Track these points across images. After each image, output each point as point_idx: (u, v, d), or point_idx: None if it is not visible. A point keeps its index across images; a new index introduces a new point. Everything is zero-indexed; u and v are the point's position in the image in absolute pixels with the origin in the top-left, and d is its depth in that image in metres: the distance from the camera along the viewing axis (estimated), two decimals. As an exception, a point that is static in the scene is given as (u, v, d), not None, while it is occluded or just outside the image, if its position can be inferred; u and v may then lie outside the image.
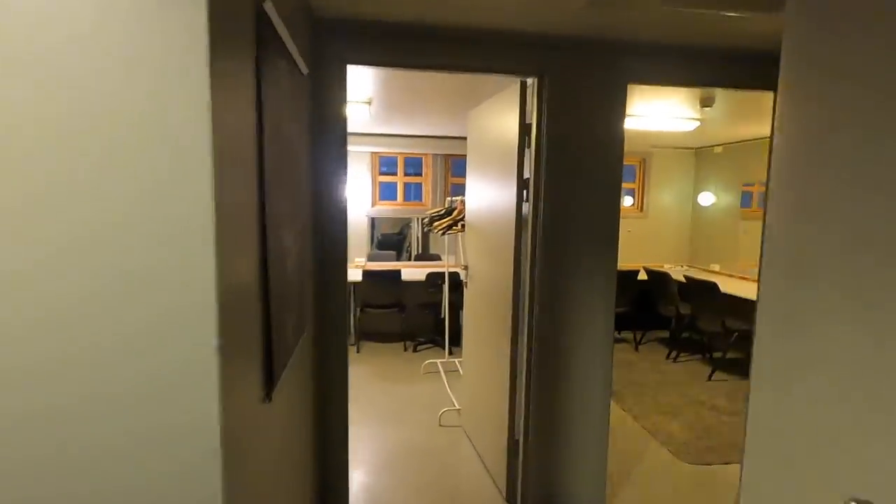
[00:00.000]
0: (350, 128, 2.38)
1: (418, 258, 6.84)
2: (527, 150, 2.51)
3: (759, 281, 2.73)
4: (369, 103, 4.05)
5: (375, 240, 7.15)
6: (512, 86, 2.56)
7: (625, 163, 2.54)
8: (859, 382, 0.98)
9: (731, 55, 2.43)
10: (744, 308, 4.52)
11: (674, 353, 5.36)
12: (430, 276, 5.24)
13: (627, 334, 5.93)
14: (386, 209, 6.35)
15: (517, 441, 2.68)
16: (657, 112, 4.27)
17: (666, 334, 6.01)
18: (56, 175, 0.81)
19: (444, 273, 4.85)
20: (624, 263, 2.61)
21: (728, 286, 4.88)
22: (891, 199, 0.93)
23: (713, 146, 6.25)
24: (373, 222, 6.66)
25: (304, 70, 1.86)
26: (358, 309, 5.50)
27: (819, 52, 1.12)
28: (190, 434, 0.88)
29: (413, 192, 6.48)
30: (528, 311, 2.54)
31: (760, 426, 1.23)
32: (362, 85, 3.52)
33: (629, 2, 1.90)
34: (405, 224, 7.27)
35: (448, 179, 6.43)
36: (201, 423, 0.87)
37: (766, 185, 2.83)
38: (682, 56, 2.44)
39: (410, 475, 3.05)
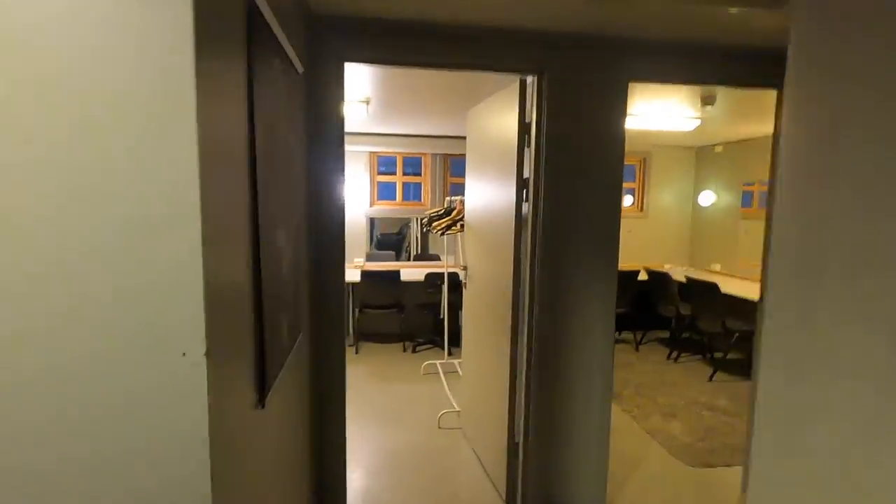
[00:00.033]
0: (348, 127, 2.36)
1: (417, 258, 6.81)
2: (526, 150, 2.48)
3: (762, 281, 2.68)
4: (367, 102, 4.02)
5: (375, 239, 7.13)
6: (511, 84, 2.53)
7: (625, 162, 2.51)
8: (870, 385, 0.95)
9: (734, 52, 2.40)
10: (745, 308, 4.49)
11: (674, 354, 5.33)
12: (429, 276, 5.21)
13: (627, 335, 5.90)
14: (385, 209, 6.32)
15: (517, 443, 2.66)
16: (658, 111, 4.24)
17: (666, 335, 5.98)
18: (34, 178, 0.78)
19: (443, 273, 4.82)
20: (624, 263, 2.59)
21: (729, 286, 4.85)
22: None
23: (714, 145, 6.22)
24: (372, 222, 6.63)
25: (300, 68, 1.83)
26: (357, 309, 5.47)
27: (825, 52, 1.09)
28: (177, 444, 0.85)
29: (412, 192, 6.45)
30: (528, 312, 2.51)
31: (769, 427, 1.20)
32: (360, 84, 3.49)
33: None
34: (404, 224, 7.24)
35: (447, 179, 6.40)
36: (189, 432, 0.84)
37: (770, 184, 2.78)
38: (683, 53, 2.41)
39: (409, 478, 3.02)
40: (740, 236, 5.79)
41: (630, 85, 2.42)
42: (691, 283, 5.06)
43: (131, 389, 0.83)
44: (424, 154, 6.29)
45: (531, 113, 2.43)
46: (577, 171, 2.43)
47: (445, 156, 6.31)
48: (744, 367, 4.89)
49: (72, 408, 0.82)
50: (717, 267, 6.06)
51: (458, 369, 4.44)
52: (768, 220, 2.70)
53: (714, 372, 4.80)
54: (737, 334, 4.65)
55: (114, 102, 0.79)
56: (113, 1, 0.77)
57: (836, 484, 1.03)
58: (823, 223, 1.05)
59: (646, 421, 3.80)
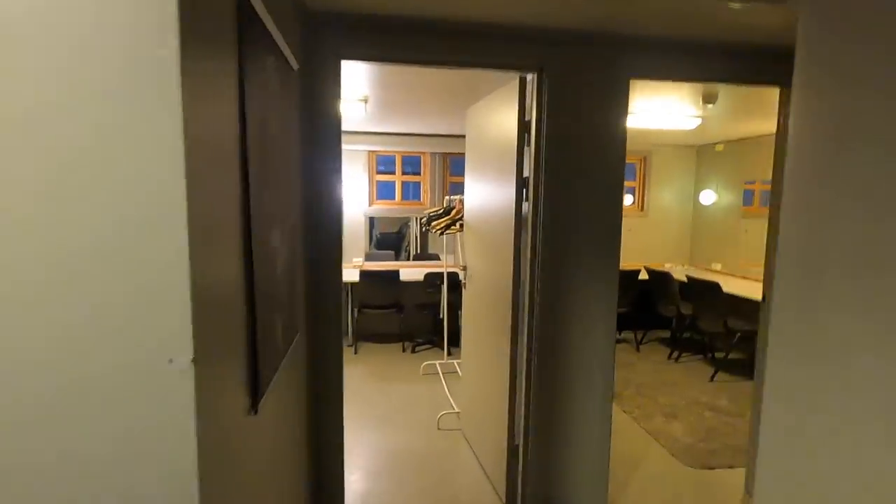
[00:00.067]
0: (346, 126, 2.33)
1: (417, 258, 6.78)
2: (526, 148, 2.45)
3: (765, 280, 2.65)
4: (365, 101, 3.99)
5: (374, 239, 7.09)
6: (511, 82, 2.50)
7: (625, 161, 2.48)
8: (879, 384, 0.92)
9: (736, 49, 2.37)
10: (746, 308, 4.46)
11: (675, 354, 5.30)
12: (428, 276, 5.18)
13: (628, 334, 5.87)
14: (383, 208, 6.28)
15: (517, 445, 2.63)
16: (659, 109, 4.21)
17: (667, 334, 5.95)
18: (12, 179, 0.75)
19: (442, 273, 4.79)
20: (624, 263, 2.56)
21: (730, 286, 4.82)
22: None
23: (714, 144, 6.19)
24: (372, 221, 6.60)
25: (295, 65, 1.80)
26: (356, 309, 5.44)
27: (834, 51, 1.06)
28: (164, 455, 0.81)
29: (411, 192, 6.41)
30: (528, 312, 2.48)
31: (773, 428, 1.17)
32: (358, 82, 3.46)
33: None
34: (404, 223, 7.21)
35: (446, 178, 6.36)
36: (176, 443, 0.81)
37: (772, 182, 2.75)
38: (685, 50, 2.38)
39: (408, 480, 2.99)
40: (741, 235, 5.76)
41: (631, 83, 2.39)
42: (692, 282, 5.03)
43: (114, 398, 0.80)
44: (423, 153, 6.25)
45: (531, 111, 2.40)
46: (577, 170, 2.40)
47: (445, 155, 6.27)
48: (745, 367, 4.85)
49: (50, 418, 0.79)
50: (718, 266, 6.03)
51: (458, 370, 4.41)
52: (771, 218, 2.67)
53: (715, 372, 4.77)
54: (738, 334, 4.62)
55: (93, 98, 0.75)
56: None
57: (846, 481, 1.00)
58: (830, 221, 1.02)
59: (647, 421, 3.77)
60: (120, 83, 0.76)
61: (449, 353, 4.89)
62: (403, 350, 5.48)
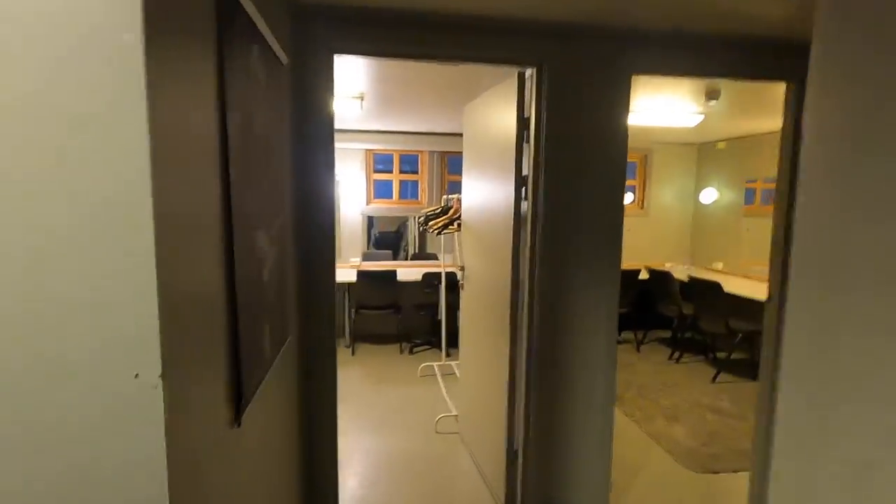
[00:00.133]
0: (342, 124, 2.26)
1: (415, 257, 6.71)
2: (525, 146, 2.38)
3: (770, 280, 2.58)
4: (361, 98, 3.92)
5: (373, 238, 7.02)
6: (509, 78, 2.43)
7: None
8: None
9: (741, 43, 2.30)
10: (748, 308, 4.40)
11: (676, 354, 5.24)
12: (426, 276, 5.12)
13: (628, 335, 5.80)
14: (381, 207, 6.21)
15: (516, 450, 2.56)
16: (660, 106, 4.14)
17: (667, 334, 5.88)
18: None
19: (440, 273, 4.72)
20: (625, 262, 2.50)
21: (731, 285, 4.75)
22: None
23: (716, 142, 6.12)
24: (371, 221, 6.53)
25: (284, 59, 1.72)
26: (352, 310, 5.37)
27: (854, 38, 0.99)
28: (129, 482, 0.74)
29: (409, 190, 6.34)
30: (528, 313, 2.42)
31: (790, 443, 1.10)
32: (353, 79, 3.39)
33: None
34: (402, 222, 7.14)
35: (445, 177, 6.29)
36: (144, 468, 0.74)
37: (777, 181, 2.67)
38: (688, 45, 2.31)
39: (405, 486, 2.92)
40: (743, 234, 5.69)
41: (633, 78, 2.32)
42: (693, 281, 4.96)
43: (72, 420, 0.73)
44: (421, 151, 6.18)
45: (530, 108, 2.33)
46: (577, 168, 2.33)
47: (443, 153, 6.20)
48: (747, 368, 4.79)
49: (4, 439, 0.72)
50: (719, 265, 5.97)
51: (456, 371, 4.35)
52: (776, 217, 2.60)
53: (717, 373, 4.71)
54: (740, 334, 4.56)
55: (47, 87, 0.68)
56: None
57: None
58: (850, 225, 0.95)
59: (648, 424, 3.71)
60: (80, 70, 0.69)
61: (447, 355, 4.83)
62: (401, 351, 5.42)
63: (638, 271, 5.59)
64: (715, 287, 4.65)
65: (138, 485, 0.75)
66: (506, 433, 2.58)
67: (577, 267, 2.40)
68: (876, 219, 0.91)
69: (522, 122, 2.38)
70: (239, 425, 1.13)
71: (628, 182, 6.38)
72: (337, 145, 2.22)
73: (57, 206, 0.70)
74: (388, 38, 2.14)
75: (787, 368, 1.07)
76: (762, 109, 4.31)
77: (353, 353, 5.29)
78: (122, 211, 0.70)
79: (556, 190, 2.33)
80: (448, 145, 6.01)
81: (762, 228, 5.14)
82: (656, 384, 4.51)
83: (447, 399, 4.05)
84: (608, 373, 2.49)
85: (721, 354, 5.11)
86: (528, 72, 2.33)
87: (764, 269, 2.76)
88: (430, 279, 5.09)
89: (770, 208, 2.68)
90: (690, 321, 5.14)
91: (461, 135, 3.35)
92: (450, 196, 4.18)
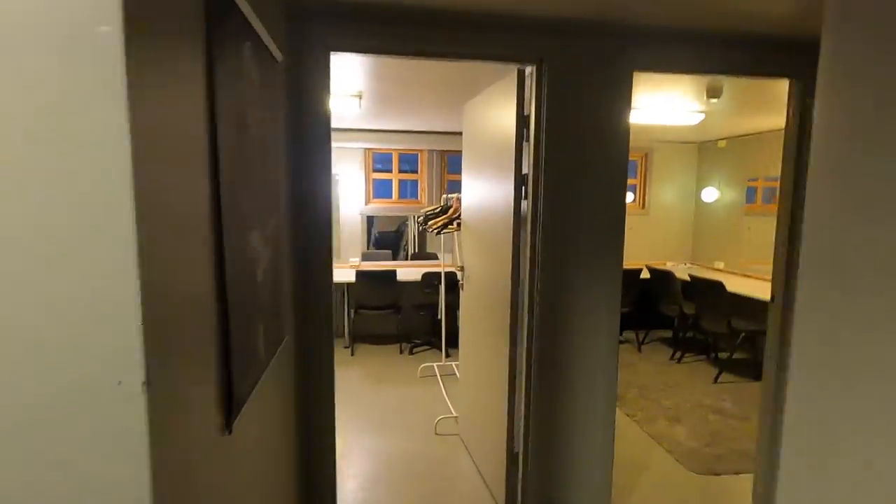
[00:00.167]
0: (341, 123, 2.23)
1: (415, 257, 6.68)
2: (525, 144, 2.35)
3: (773, 280, 2.54)
4: (360, 97, 3.89)
5: (373, 238, 6.99)
6: (509, 75, 2.40)
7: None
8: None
9: (744, 40, 2.27)
10: (750, 308, 4.37)
11: (678, 354, 5.21)
12: (426, 276, 5.09)
13: (629, 334, 5.77)
14: (380, 207, 6.18)
15: (517, 452, 2.53)
16: (661, 104, 4.10)
17: (669, 334, 5.85)
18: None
19: (440, 273, 4.69)
20: (626, 261, 2.47)
21: (733, 284, 4.72)
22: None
23: (717, 140, 6.09)
24: (371, 220, 6.50)
25: (279, 56, 1.69)
26: (352, 310, 5.34)
27: (864, 37, 0.96)
28: (113, 495, 0.71)
29: (409, 190, 6.31)
30: (528, 313, 2.39)
31: (799, 447, 1.07)
32: (352, 77, 3.35)
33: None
34: (402, 222, 7.11)
35: (444, 176, 6.26)
36: (127, 480, 0.71)
37: (781, 179, 2.64)
38: (691, 42, 2.28)
39: (404, 488, 2.89)
40: (744, 233, 5.66)
41: (634, 75, 2.28)
42: (695, 281, 4.93)
43: (51, 430, 0.70)
44: (421, 150, 6.15)
45: (530, 105, 2.30)
46: (578, 167, 2.30)
47: (442, 152, 6.17)
48: (750, 368, 4.76)
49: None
50: (721, 265, 5.94)
51: (456, 371, 4.32)
52: (779, 216, 2.57)
53: (719, 373, 4.67)
54: (742, 334, 4.52)
55: (21, 83, 0.65)
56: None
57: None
58: (861, 225, 0.92)
59: (649, 425, 3.68)
60: (55, 65, 0.66)
61: (447, 355, 4.80)
62: (401, 352, 5.39)
63: (639, 271, 5.56)
64: (717, 286, 4.62)
65: (121, 496, 0.72)
66: (506, 434, 2.55)
67: (578, 266, 2.37)
68: (886, 217, 0.88)
69: (522, 120, 2.34)
70: (230, 432, 1.10)
71: (629, 181, 6.35)
72: (335, 144, 2.19)
73: (30, 204, 0.67)
74: (385, 34, 2.11)
75: (796, 369, 1.04)
76: (763, 107, 4.28)
77: (352, 354, 5.26)
78: (100, 209, 0.67)
79: (557, 188, 2.30)
80: (447, 144, 5.97)
81: (763, 227, 5.10)
82: (658, 384, 4.48)
83: (447, 400, 4.02)
84: (609, 373, 2.46)
85: (723, 354, 5.07)
86: (528, 69, 2.29)
87: (765, 268, 2.74)
88: (430, 279, 5.06)
89: (771, 207, 2.65)
90: (692, 321, 5.11)
91: (461, 133, 3.32)
92: (449, 195, 4.15)
